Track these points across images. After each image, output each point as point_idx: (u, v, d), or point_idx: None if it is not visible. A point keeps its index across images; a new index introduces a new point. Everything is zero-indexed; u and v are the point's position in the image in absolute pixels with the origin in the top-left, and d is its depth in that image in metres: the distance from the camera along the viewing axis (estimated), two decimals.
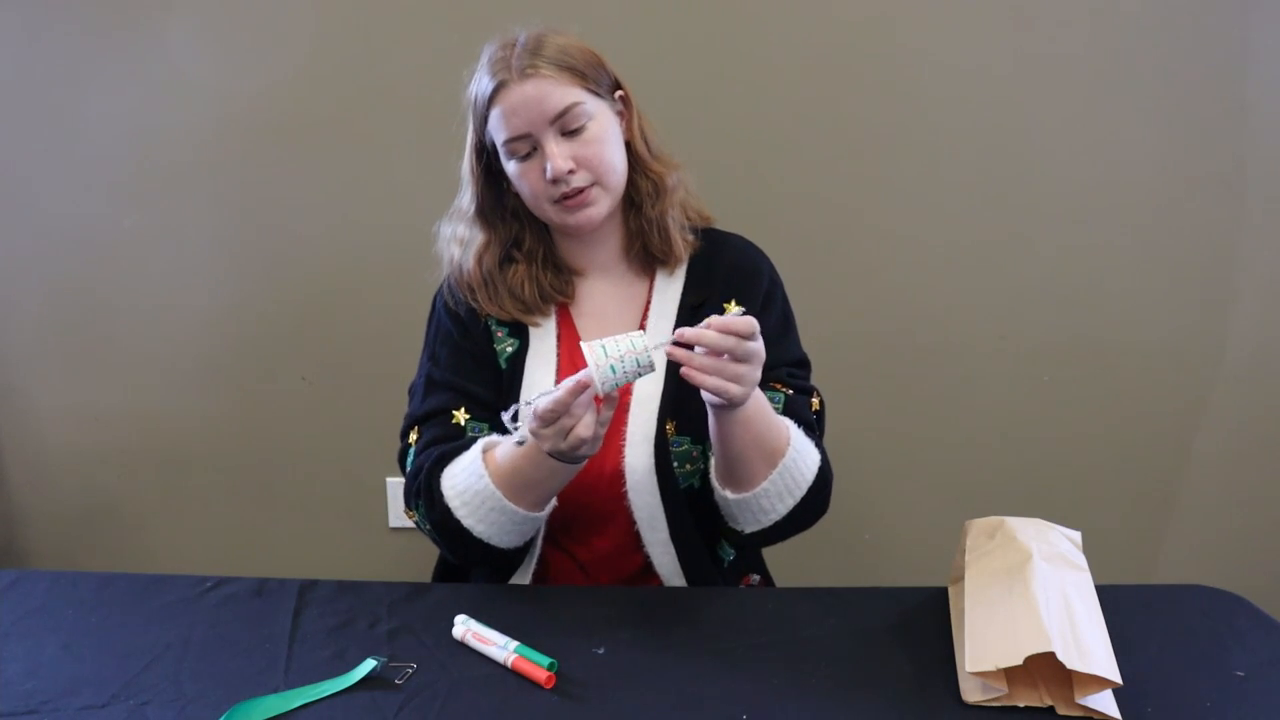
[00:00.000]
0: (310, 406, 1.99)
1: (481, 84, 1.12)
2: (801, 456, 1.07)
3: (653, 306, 1.20)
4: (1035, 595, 0.91)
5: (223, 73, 1.82)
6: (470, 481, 1.06)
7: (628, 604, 1.08)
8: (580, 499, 1.14)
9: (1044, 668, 0.88)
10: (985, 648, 0.89)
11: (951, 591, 1.06)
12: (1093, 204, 1.82)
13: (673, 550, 1.17)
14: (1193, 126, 1.77)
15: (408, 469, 1.16)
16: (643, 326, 1.19)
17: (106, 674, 0.96)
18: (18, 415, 2.05)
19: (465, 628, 1.00)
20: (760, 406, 1.03)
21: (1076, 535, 1.05)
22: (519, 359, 1.18)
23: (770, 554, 1.31)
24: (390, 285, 1.86)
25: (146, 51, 1.82)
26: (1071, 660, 0.84)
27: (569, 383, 0.94)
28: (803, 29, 1.75)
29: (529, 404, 0.96)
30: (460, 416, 1.15)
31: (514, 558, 1.15)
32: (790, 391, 1.15)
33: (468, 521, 1.07)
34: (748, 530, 1.11)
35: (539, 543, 1.18)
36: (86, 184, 1.90)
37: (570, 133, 1.09)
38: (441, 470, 1.09)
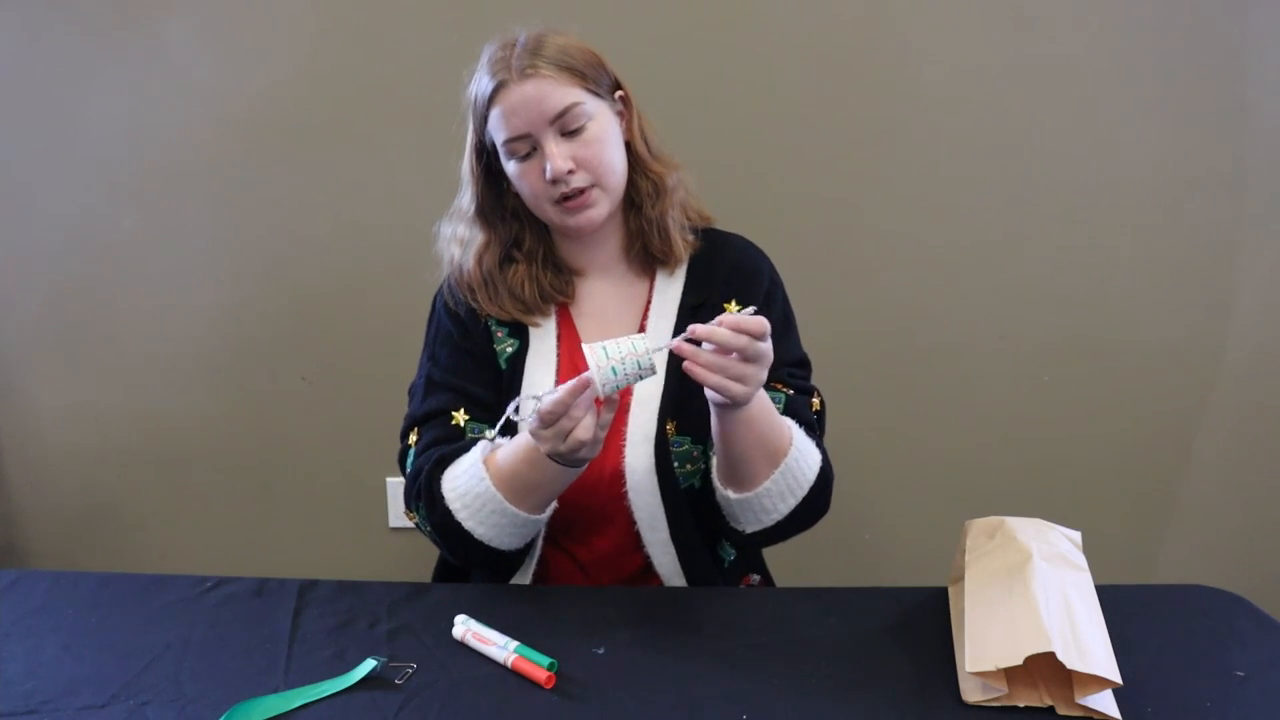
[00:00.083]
0: (310, 406, 1.99)
1: (481, 84, 1.12)
2: (803, 456, 1.07)
3: (653, 307, 1.20)
4: (1035, 595, 0.91)
5: (223, 73, 1.82)
6: (471, 484, 1.06)
7: (628, 604, 1.08)
8: (580, 499, 1.14)
9: (1044, 668, 0.88)
10: (985, 648, 0.89)
11: (951, 591, 1.06)
12: (1093, 204, 1.82)
13: (673, 550, 1.17)
14: (1193, 126, 1.77)
15: (408, 470, 1.16)
16: (643, 327, 1.19)
17: (106, 674, 0.95)
18: (18, 415, 2.05)
19: (465, 628, 1.00)
20: (763, 406, 1.03)
21: (1076, 535, 1.05)
22: (519, 359, 1.18)
23: (770, 554, 1.31)
24: (390, 285, 1.86)
25: (146, 51, 1.82)
26: (1071, 660, 0.84)
27: (570, 384, 0.94)
28: (803, 29, 1.75)
29: (536, 398, 0.96)
30: (460, 417, 1.15)
31: (515, 559, 1.15)
32: (791, 391, 1.15)
33: (468, 524, 1.07)
34: (749, 530, 1.11)
35: (539, 543, 1.18)
36: (86, 184, 1.90)
37: (570, 133, 1.09)
38: (442, 472, 1.09)
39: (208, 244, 1.92)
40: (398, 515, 2.04)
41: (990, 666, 0.87)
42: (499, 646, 0.96)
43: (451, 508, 1.07)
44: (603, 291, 1.23)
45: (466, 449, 1.09)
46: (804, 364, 1.22)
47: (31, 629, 1.04)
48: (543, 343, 1.19)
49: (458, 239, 1.22)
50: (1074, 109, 1.77)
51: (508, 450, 1.05)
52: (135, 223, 1.91)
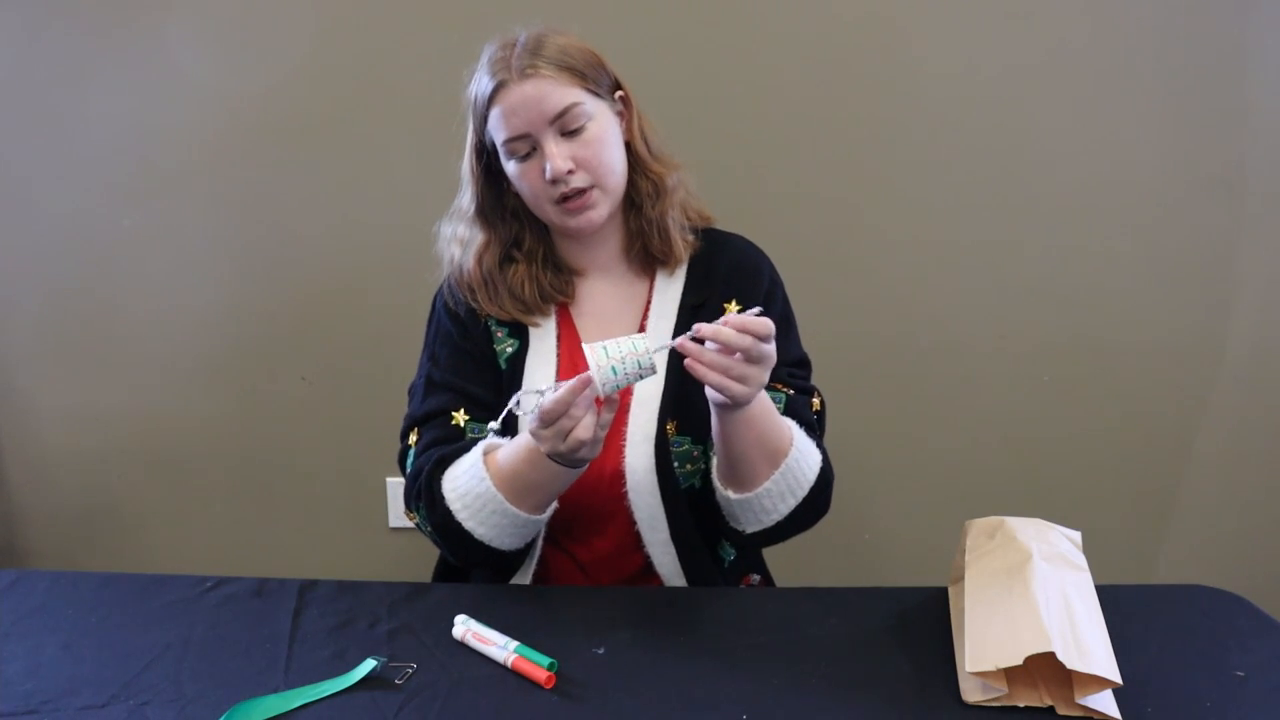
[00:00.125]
0: (310, 406, 1.99)
1: (481, 84, 1.11)
2: (804, 457, 1.07)
3: (653, 307, 1.20)
4: (1035, 595, 0.91)
5: (223, 73, 1.82)
6: (471, 484, 1.06)
7: (628, 604, 1.08)
8: (581, 499, 1.14)
9: (1044, 668, 0.88)
10: (985, 648, 0.89)
11: (951, 591, 1.06)
12: (1093, 204, 1.82)
13: (673, 550, 1.17)
14: (1193, 126, 1.77)
15: (408, 470, 1.16)
16: (643, 327, 1.19)
17: (106, 674, 0.95)
18: (18, 415, 2.05)
19: (465, 628, 1.00)
20: (764, 407, 1.03)
21: (1076, 535, 1.05)
22: (519, 359, 1.18)
23: (770, 554, 1.31)
24: (390, 285, 1.86)
25: (146, 51, 1.82)
26: (1071, 660, 0.84)
27: (571, 382, 0.94)
28: (802, 29, 1.75)
29: (538, 392, 0.96)
30: (460, 418, 1.15)
31: (515, 559, 1.15)
32: (791, 392, 1.15)
33: (469, 524, 1.07)
34: (749, 530, 1.11)
35: (539, 543, 1.18)
36: (86, 184, 1.90)
37: (570, 133, 1.09)
38: (442, 472, 1.09)
39: (208, 244, 1.92)
40: (398, 515, 2.04)
41: (990, 666, 0.87)
42: (499, 646, 0.96)
43: (452, 508, 1.07)
44: (603, 291, 1.23)
45: (466, 449, 1.09)
46: (804, 364, 1.22)
47: (31, 629, 1.04)
48: (543, 343, 1.19)
49: (458, 239, 1.22)
50: (1074, 109, 1.77)
51: (508, 450, 1.05)
52: (135, 223, 1.91)
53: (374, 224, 1.88)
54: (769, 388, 1.12)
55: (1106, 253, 1.84)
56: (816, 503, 1.10)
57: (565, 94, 1.08)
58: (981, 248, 1.85)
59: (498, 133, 1.11)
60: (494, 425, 1.02)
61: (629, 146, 1.17)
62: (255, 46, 1.81)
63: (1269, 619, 1.04)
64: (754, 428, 1.02)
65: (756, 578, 1.30)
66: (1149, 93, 1.76)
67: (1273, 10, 1.71)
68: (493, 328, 1.20)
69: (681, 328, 1.16)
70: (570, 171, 1.09)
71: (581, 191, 1.10)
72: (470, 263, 1.21)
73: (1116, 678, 0.85)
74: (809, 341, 1.24)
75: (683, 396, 1.14)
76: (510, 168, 1.13)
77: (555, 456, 0.98)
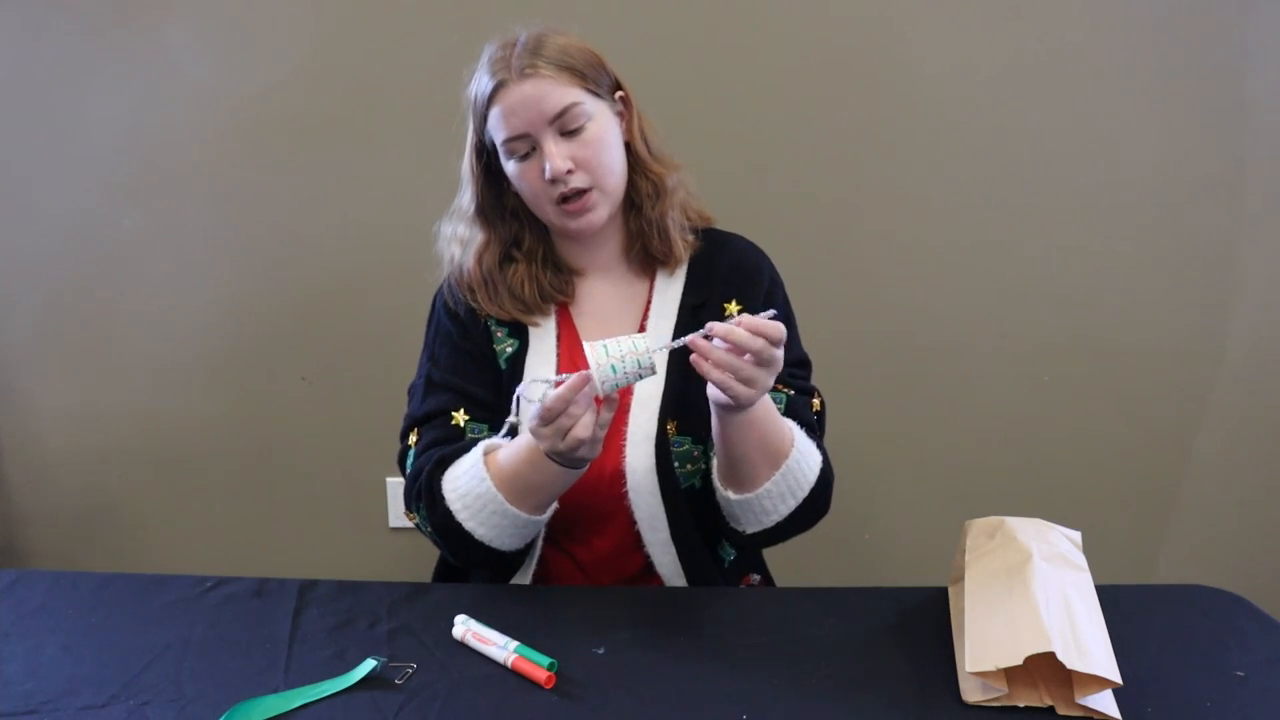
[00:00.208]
0: (310, 406, 1.99)
1: (481, 83, 1.11)
2: (804, 458, 1.07)
3: (653, 307, 1.20)
4: (1035, 595, 0.91)
5: (223, 73, 1.82)
6: (472, 485, 1.06)
7: (628, 604, 1.08)
8: (581, 499, 1.14)
9: (1044, 668, 0.88)
10: (985, 648, 0.89)
11: (951, 591, 1.06)
12: (1093, 204, 1.82)
13: (673, 550, 1.17)
14: (1193, 126, 1.77)
15: (408, 471, 1.16)
16: (643, 327, 1.19)
17: (106, 674, 0.95)
18: (18, 415, 2.05)
19: (465, 628, 1.00)
20: (766, 408, 1.03)
21: (1076, 535, 1.05)
22: (519, 359, 1.18)
23: (770, 554, 1.31)
24: (390, 285, 1.86)
25: (146, 51, 1.82)
26: (1071, 660, 0.84)
27: (570, 380, 0.94)
28: (802, 29, 1.75)
29: (546, 381, 0.96)
30: (460, 418, 1.15)
31: (515, 559, 1.15)
32: (791, 392, 1.15)
33: (469, 524, 1.07)
34: (749, 530, 1.11)
35: (539, 543, 1.18)
36: (86, 184, 1.90)
37: (569, 133, 1.09)
38: (442, 473, 1.09)
39: (208, 244, 1.92)
40: (398, 515, 2.04)
41: (990, 666, 0.87)
42: (499, 646, 0.96)
43: (452, 508, 1.07)
44: (603, 291, 1.22)
45: (466, 449, 1.09)
46: (804, 364, 1.22)
47: (31, 629, 1.04)
48: (543, 342, 1.19)
49: (458, 238, 1.22)
50: (1074, 109, 1.77)
51: (508, 451, 1.05)
52: (135, 223, 1.91)
53: (374, 224, 1.88)
54: (770, 388, 1.12)
55: (1106, 253, 1.84)
56: (817, 503, 1.10)
57: (565, 94, 1.08)
58: (981, 248, 1.85)
59: (497, 132, 1.11)
60: (511, 419, 1.01)
61: (629, 147, 1.17)
62: (255, 46, 1.81)
63: (1269, 619, 1.04)
64: (755, 429, 1.02)
65: (756, 578, 1.30)
66: (1149, 93, 1.76)
67: (1273, 10, 1.71)
68: (492, 327, 1.20)
69: (681, 328, 1.16)
70: (570, 171, 1.09)
71: (581, 193, 1.10)
72: (470, 262, 1.21)
73: (1116, 678, 0.85)
74: (809, 341, 1.24)
75: (683, 396, 1.14)
76: (510, 167, 1.13)
77: (555, 456, 0.98)
